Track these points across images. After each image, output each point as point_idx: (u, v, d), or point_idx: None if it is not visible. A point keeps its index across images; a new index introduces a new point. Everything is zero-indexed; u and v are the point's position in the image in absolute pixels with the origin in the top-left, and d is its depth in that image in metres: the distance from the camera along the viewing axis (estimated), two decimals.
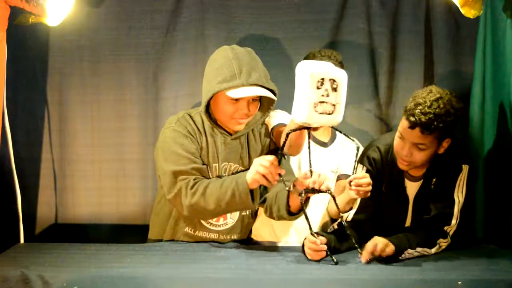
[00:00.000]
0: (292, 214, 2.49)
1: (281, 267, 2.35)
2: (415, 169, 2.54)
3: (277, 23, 3.15)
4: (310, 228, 2.37)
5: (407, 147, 2.41)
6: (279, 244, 2.84)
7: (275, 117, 2.68)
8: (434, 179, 2.54)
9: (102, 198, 3.20)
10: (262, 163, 2.33)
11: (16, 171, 2.89)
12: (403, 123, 2.40)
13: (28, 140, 3.15)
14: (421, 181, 2.56)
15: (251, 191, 2.40)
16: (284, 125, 2.56)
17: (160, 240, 2.68)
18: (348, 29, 3.15)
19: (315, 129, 2.27)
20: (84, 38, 3.13)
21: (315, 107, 2.16)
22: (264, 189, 2.55)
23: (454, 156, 2.50)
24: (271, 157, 2.34)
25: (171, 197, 2.49)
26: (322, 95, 2.16)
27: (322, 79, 2.16)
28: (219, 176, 2.55)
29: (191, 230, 2.65)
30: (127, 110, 3.19)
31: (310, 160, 2.32)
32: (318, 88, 2.15)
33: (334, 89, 2.17)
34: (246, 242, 2.74)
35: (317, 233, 2.41)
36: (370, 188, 2.38)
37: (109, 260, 2.41)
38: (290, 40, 3.15)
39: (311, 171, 2.33)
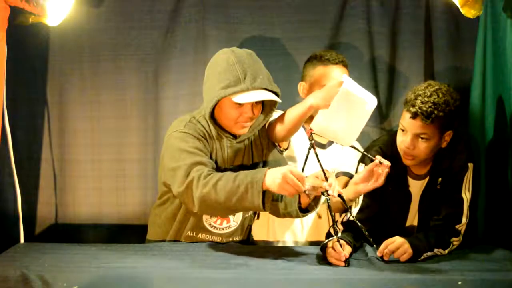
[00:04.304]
0: (302, 211, 2.46)
1: (281, 267, 2.35)
2: (418, 166, 2.56)
3: (277, 23, 3.14)
4: (336, 233, 2.35)
5: (410, 139, 2.46)
6: (277, 244, 2.84)
7: (272, 116, 2.68)
8: (440, 179, 2.57)
9: (102, 198, 3.19)
10: (288, 180, 2.19)
11: (16, 171, 2.89)
12: (405, 115, 2.47)
13: (28, 140, 3.14)
14: (426, 180, 2.59)
15: (263, 193, 2.26)
16: None
17: (162, 241, 2.66)
18: (348, 29, 3.15)
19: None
20: (84, 38, 3.13)
21: None
22: None
23: (459, 155, 2.55)
24: (298, 174, 2.22)
25: (182, 189, 2.33)
26: None
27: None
28: None
29: (193, 233, 2.62)
30: (127, 110, 3.19)
31: (322, 168, 2.32)
32: None
33: None
34: (246, 242, 2.73)
35: (343, 239, 2.40)
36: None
37: (109, 260, 2.41)
38: (290, 40, 3.15)
39: (325, 176, 2.29)
